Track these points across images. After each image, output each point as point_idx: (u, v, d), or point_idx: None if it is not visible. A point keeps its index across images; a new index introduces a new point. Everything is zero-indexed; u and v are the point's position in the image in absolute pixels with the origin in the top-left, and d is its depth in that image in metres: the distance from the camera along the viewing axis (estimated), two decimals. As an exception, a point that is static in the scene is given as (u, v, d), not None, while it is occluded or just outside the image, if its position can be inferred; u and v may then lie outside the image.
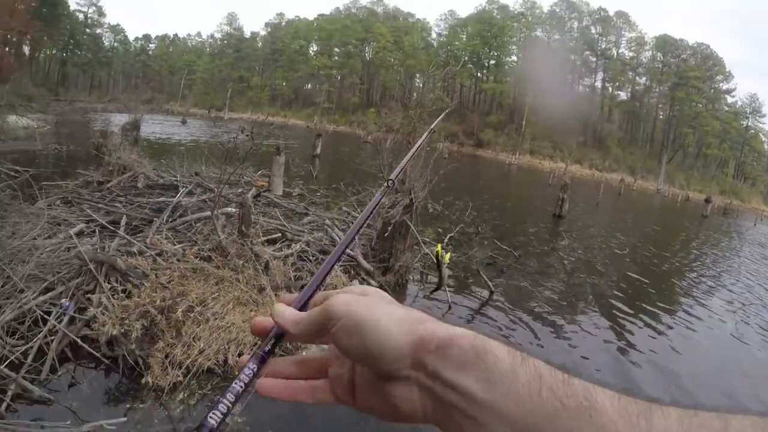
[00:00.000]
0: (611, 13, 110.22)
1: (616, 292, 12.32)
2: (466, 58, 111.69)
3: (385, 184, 1.10)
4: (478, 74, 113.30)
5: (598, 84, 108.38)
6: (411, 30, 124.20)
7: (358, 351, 0.68)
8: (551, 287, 11.86)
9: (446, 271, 8.93)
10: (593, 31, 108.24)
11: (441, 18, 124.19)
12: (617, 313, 10.77)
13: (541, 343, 8.66)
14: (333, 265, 0.86)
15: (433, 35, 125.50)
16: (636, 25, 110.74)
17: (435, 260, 9.08)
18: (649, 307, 11.53)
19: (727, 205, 63.00)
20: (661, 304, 11.96)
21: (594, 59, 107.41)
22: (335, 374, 0.78)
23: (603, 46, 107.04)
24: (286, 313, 0.76)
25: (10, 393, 5.03)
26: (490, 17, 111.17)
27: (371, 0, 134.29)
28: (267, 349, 0.73)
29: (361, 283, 8.43)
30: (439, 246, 9.37)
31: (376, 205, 1.05)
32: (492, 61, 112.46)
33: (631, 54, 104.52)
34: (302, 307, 0.79)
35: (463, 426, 0.63)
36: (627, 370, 8.19)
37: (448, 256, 8.96)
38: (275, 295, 6.49)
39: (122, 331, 5.51)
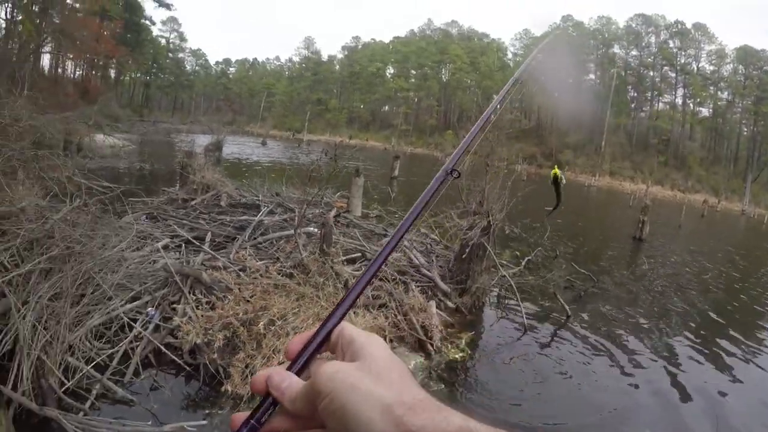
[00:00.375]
0: (689, 26, 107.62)
1: (697, 320, 11.93)
2: (544, 77, 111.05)
3: (448, 173, 1.03)
4: (556, 94, 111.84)
5: (679, 100, 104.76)
6: (486, 50, 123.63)
7: None
8: (630, 313, 11.60)
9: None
10: (671, 45, 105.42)
11: (516, 38, 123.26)
12: (697, 342, 10.41)
13: (618, 371, 8.46)
14: (359, 293, 0.81)
15: (509, 55, 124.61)
16: (715, 36, 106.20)
17: (553, 182, 9.54)
18: (732, 337, 11.15)
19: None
20: (744, 335, 11.56)
21: (673, 75, 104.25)
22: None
23: (682, 61, 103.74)
24: (283, 384, 0.74)
25: (94, 392, 5.36)
26: (566, 35, 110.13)
27: (446, 22, 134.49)
28: (262, 420, 0.71)
29: (438, 305, 8.53)
30: (556, 167, 9.81)
31: (432, 193, 1.00)
32: (569, 80, 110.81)
33: (711, 68, 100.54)
34: (316, 348, 0.76)
35: None
36: (711, 405, 7.94)
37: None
38: (353, 313, 6.62)
39: (205, 340, 5.76)
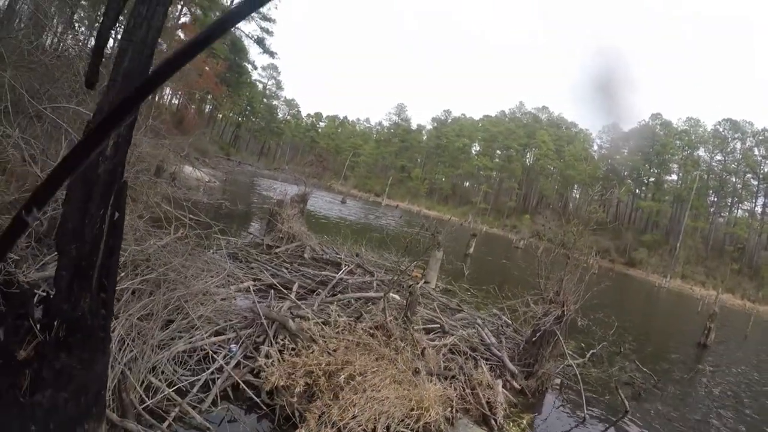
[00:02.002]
0: None
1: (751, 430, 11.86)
2: (626, 173, 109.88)
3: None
4: (636, 191, 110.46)
5: (758, 209, 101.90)
6: (573, 140, 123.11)
7: None
8: (688, 417, 11.51)
9: None
10: (756, 153, 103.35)
11: (603, 130, 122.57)
12: None
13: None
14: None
15: (595, 147, 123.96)
16: None
17: None
18: None
19: None
20: None
21: (755, 182, 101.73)
22: None
23: (765, 170, 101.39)
24: None
25: (173, 414, 5.67)
26: (653, 133, 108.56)
27: (537, 107, 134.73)
28: None
29: (504, 384, 8.73)
30: None
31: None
32: (651, 179, 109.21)
33: None
34: None
35: None
36: None
37: None
38: (429, 380, 6.93)
39: (287, 384, 6.11)
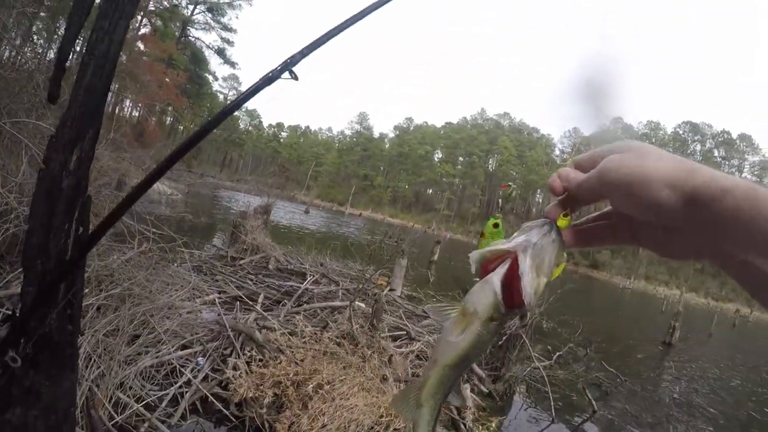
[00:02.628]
0: (734, 136, 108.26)
1: (715, 427, 12.09)
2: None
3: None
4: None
5: None
6: (535, 145, 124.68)
7: (634, 211, 0.78)
8: (653, 413, 11.73)
9: None
10: (716, 154, 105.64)
11: (565, 135, 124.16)
12: None
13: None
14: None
15: (557, 152, 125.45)
16: (760, 148, 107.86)
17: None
18: None
19: None
20: None
21: None
22: (617, 221, 0.92)
23: (726, 171, 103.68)
24: (571, 175, 0.90)
25: (142, 430, 5.65)
26: (614, 137, 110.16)
27: (498, 113, 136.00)
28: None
29: (471, 389, 8.79)
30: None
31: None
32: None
33: (754, 178, 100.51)
34: None
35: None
36: None
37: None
38: (396, 386, 6.95)
39: (255, 395, 6.11)
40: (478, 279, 0.94)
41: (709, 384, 17.08)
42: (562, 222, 0.93)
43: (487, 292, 0.90)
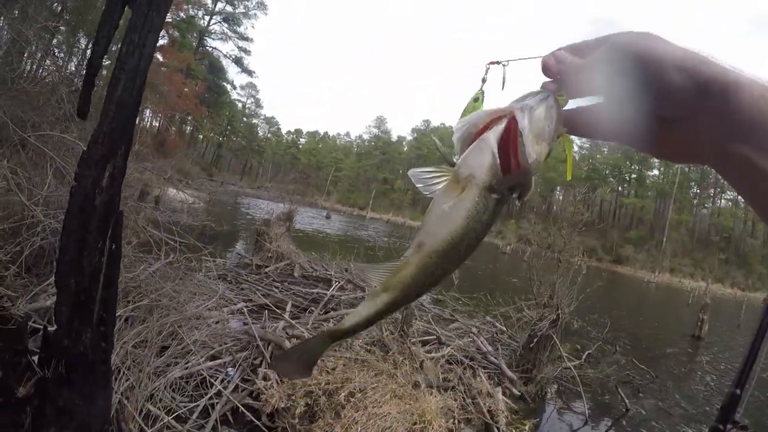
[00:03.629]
0: None
1: (756, 421, 11.92)
2: (608, 171, 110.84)
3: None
4: (619, 188, 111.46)
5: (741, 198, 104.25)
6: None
7: (641, 96, 0.71)
8: (687, 408, 11.60)
9: None
10: None
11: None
12: None
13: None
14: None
15: (575, 148, 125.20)
16: None
17: None
18: None
19: None
20: None
21: None
22: None
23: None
24: (568, 58, 0.84)
25: (175, 444, 5.61)
26: None
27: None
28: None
29: (503, 392, 8.71)
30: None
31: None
32: (633, 175, 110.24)
33: None
34: None
35: (750, 176, 0.68)
36: None
37: None
38: (429, 392, 6.88)
39: (287, 405, 6.06)
40: (457, 158, 0.89)
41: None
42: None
43: (484, 152, 0.84)
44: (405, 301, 0.94)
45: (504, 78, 1.01)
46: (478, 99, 0.97)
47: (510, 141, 0.82)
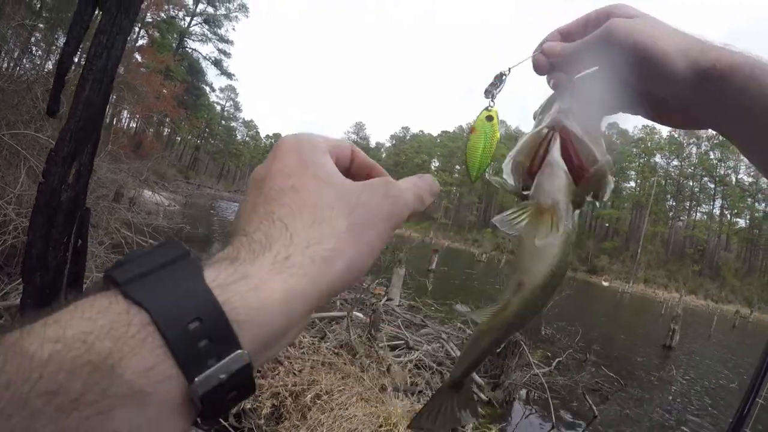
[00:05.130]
0: None
1: (719, 429, 12.12)
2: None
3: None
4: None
5: (716, 211, 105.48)
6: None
7: (642, 82, 0.77)
8: (654, 418, 11.77)
9: None
10: (712, 156, 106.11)
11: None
12: None
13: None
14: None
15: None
16: None
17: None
18: None
19: None
20: None
21: (712, 185, 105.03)
22: None
23: (721, 172, 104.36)
24: (557, 47, 0.85)
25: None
26: (610, 142, 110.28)
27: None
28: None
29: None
30: None
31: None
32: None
33: (749, 179, 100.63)
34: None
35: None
36: None
37: None
38: (395, 396, 6.96)
39: (254, 406, 6.11)
40: (517, 200, 0.88)
41: (709, 386, 17.10)
42: None
43: (556, 174, 0.82)
44: (508, 337, 0.96)
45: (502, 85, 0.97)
46: (492, 118, 0.95)
47: (573, 152, 0.83)
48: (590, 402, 10.47)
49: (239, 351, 0.44)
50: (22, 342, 0.37)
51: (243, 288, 0.46)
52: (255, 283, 0.46)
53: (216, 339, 0.43)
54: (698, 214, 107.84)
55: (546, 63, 0.86)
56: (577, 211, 0.84)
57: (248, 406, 6.12)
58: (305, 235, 0.51)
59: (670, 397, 14.20)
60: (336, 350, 7.74)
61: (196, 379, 0.42)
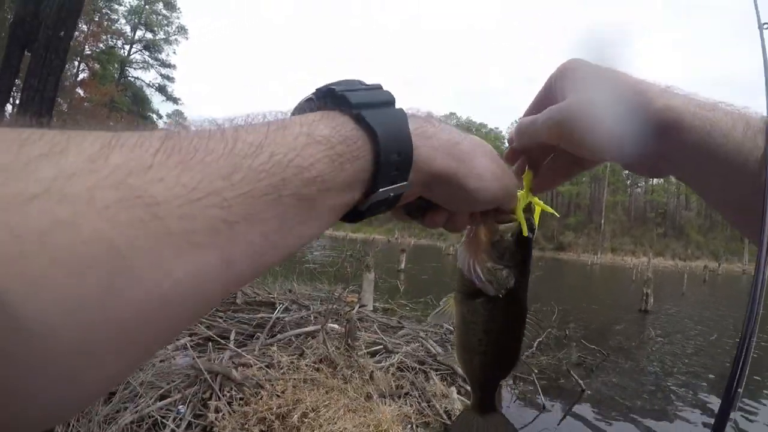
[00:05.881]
0: None
1: (706, 384, 12.28)
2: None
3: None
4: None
5: None
6: (485, 140, 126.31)
7: (594, 152, 0.83)
8: (641, 382, 11.89)
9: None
10: None
11: (511, 126, 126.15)
12: (710, 405, 10.76)
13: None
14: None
15: (506, 144, 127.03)
16: None
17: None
18: (742, 399, 11.40)
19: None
20: (755, 393, 11.80)
21: None
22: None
23: None
24: (524, 122, 0.94)
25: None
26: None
27: (444, 114, 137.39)
28: None
29: (458, 391, 8.79)
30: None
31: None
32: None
33: None
34: None
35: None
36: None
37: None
38: (383, 402, 6.95)
39: (242, 435, 6.05)
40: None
41: (689, 342, 17.40)
42: (527, 176, 0.98)
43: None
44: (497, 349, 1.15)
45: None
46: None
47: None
48: (576, 377, 10.57)
49: (405, 183, 0.66)
50: (285, 131, 0.54)
51: (425, 142, 0.68)
52: (431, 143, 0.69)
53: (400, 170, 0.64)
54: (655, 179, 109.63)
55: (511, 153, 1.06)
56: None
57: (236, 436, 6.07)
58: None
59: (652, 360, 14.38)
60: (316, 365, 7.70)
61: (380, 190, 0.63)
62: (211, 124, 0.54)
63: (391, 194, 0.66)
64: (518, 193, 0.94)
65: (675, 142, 0.75)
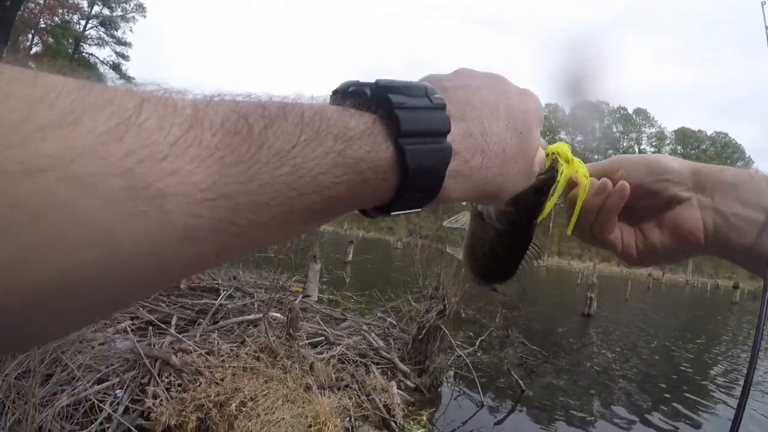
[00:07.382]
0: (630, 111, 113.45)
1: (644, 386, 12.64)
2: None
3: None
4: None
5: None
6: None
7: (648, 181, 0.91)
8: (580, 384, 12.16)
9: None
10: (615, 129, 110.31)
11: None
12: (643, 407, 11.11)
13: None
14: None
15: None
16: (655, 120, 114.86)
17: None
18: (675, 404, 11.75)
19: (756, 290, 61.95)
20: (688, 398, 12.22)
21: None
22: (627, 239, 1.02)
23: (625, 144, 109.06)
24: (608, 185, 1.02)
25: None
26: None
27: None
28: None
29: (398, 385, 8.92)
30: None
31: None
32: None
33: (652, 149, 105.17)
34: None
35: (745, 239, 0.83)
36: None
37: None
38: (322, 394, 7.04)
39: (179, 422, 6.08)
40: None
41: (629, 348, 17.84)
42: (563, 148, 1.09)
43: None
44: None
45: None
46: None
47: None
48: (516, 377, 10.75)
49: (419, 209, 0.65)
50: (316, 143, 0.52)
51: (458, 184, 0.66)
52: (464, 186, 0.67)
53: (418, 202, 0.63)
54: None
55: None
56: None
57: (173, 422, 6.08)
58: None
59: (592, 363, 14.69)
60: (256, 354, 7.72)
61: (391, 213, 0.63)
62: (243, 103, 0.52)
63: (401, 215, 0.66)
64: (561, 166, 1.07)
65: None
